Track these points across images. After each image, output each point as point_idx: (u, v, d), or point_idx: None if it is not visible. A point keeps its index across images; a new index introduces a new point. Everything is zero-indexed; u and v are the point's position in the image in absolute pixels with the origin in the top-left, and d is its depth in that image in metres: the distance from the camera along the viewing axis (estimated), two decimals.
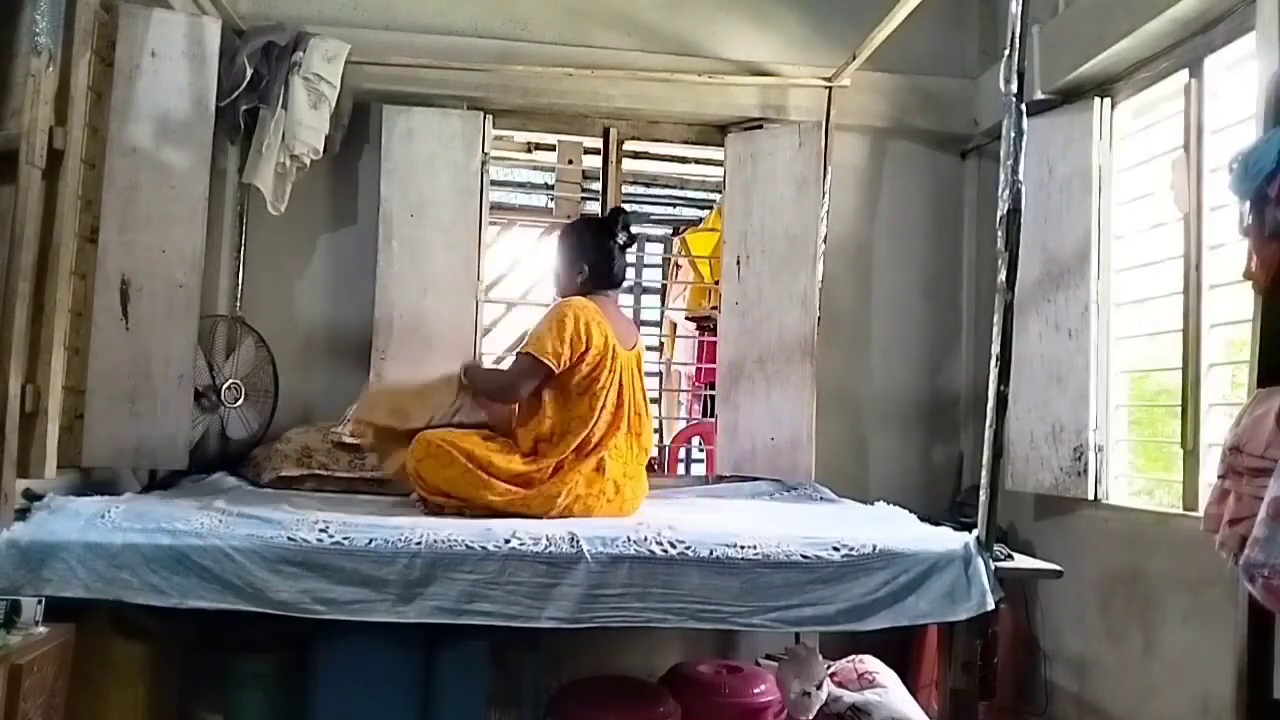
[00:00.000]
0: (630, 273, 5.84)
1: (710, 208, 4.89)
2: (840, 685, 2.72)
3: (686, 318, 4.75)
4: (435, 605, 2.04)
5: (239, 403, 3.10)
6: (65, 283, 2.26)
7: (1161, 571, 2.71)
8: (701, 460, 4.65)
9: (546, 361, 2.55)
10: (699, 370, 4.74)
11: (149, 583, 1.97)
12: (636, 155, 4.15)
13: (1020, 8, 2.11)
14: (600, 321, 2.65)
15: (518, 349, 2.74)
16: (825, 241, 3.51)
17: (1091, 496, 3.02)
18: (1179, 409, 2.74)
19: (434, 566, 2.05)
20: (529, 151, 4.24)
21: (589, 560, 2.08)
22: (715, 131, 3.69)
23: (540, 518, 2.45)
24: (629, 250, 2.92)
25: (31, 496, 2.22)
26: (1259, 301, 2.12)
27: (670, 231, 5.70)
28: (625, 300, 5.54)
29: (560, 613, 2.06)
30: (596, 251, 2.81)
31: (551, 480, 2.54)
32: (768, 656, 3.13)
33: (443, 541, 2.08)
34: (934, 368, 3.80)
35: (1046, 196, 3.19)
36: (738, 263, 3.56)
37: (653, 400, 5.67)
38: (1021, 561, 2.34)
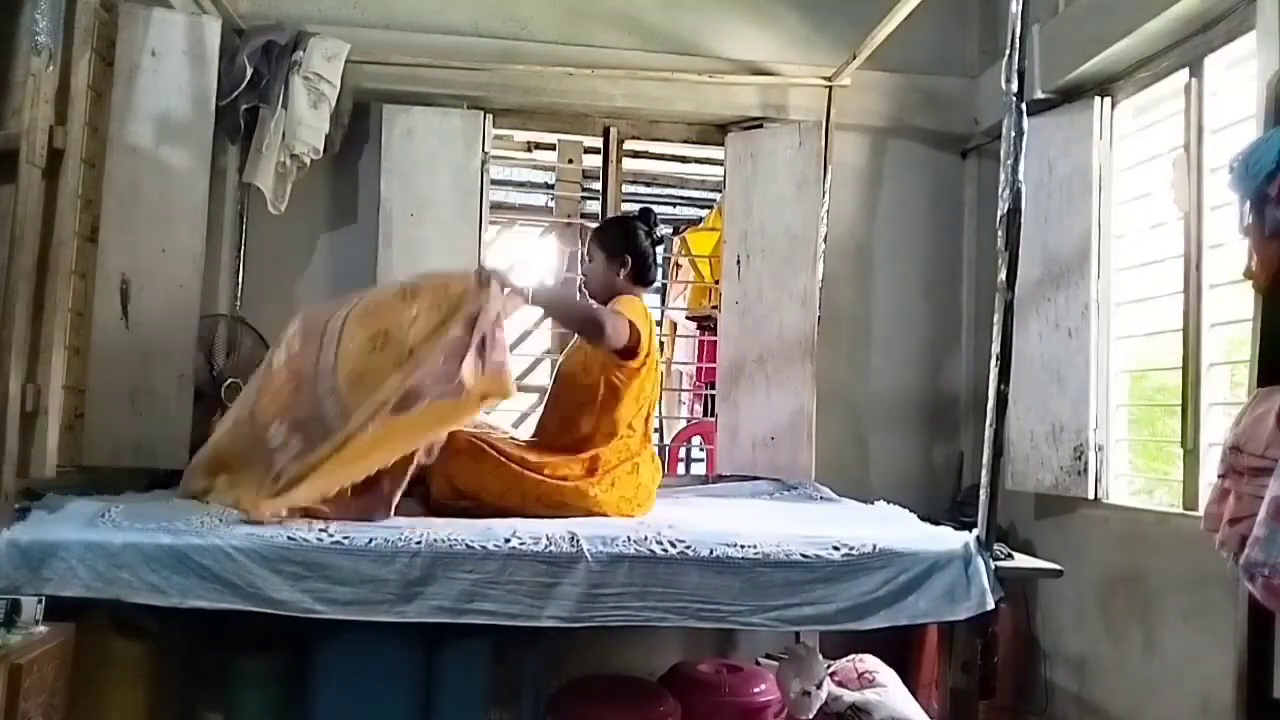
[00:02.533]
0: None
1: (710, 207, 4.90)
2: (840, 684, 2.72)
3: (687, 317, 4.76)
4: (435, 604, 2.04)
5: None
6: (65, 282, 2.26)
7: (1161, 571, 2.71)
8: (701, 460, 4.65)
9: (631, 339, 2.51)
10: (699, 369, 4.74)
11: (149, 582, 1.96)
12: (637, 155, 4.15)
13: (1020, 7, 2.11)
14: (654, 329, 2.67)
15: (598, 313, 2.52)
16: (825, 241, 3.51)
17: (1091, 496, 3.02)
18: (1179, 408, 2.74)
19: (434, 565, 2.05)
20: (529, 151, 4.24)
21: (589, 559, 2.08)
22: (715, 131, 3.70)
23: (568, 516, 2.43)
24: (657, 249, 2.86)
25: (32, 496, 2.22)
26: (1259, 301, 2.12)
27: (670, 231, 5.70)
28: None
29: (561, 612, 2.06)
30: (640, 246, 2.76)
31: (588, 480, 2.54)
32: (768, 656, 3.13)
33: (443, 541, 2.08)
34: (934, 367, 3.80)
35: (1047, 196, 3.19)
36: (738, 262, 3.56)
37: None
38: (1021, 561, 2.34)
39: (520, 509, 2.43)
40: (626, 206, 4.86)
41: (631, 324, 2.52)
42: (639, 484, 2.63)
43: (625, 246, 2.75)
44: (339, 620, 2.02)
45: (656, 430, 4.91)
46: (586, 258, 2.86)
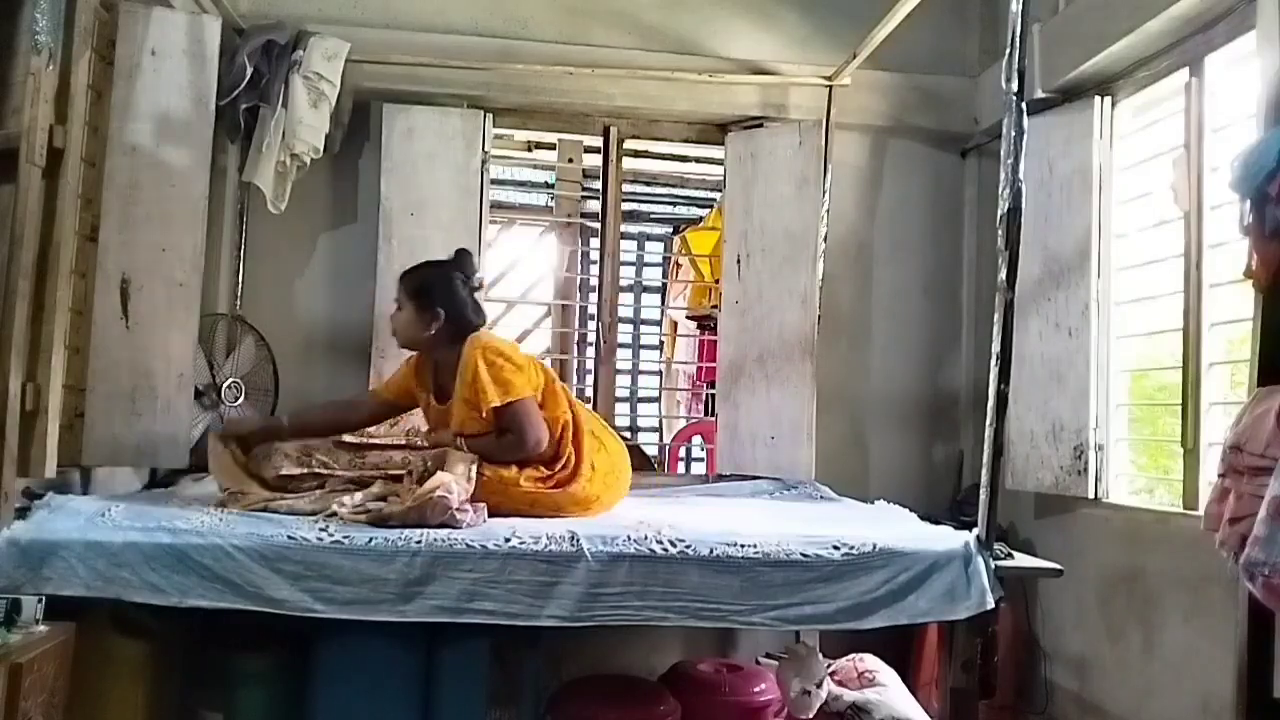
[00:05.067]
0: (630, 271, 5.85)
1: (711, 206, 4.89)
2: (840, 684, 2.72)
3: (687, 316, 4.76)
4: (435, 604, 2.04)
5: (239, 401, 3.10)
6: (65, 281, 2.26)
7: (1161, 570, 2.71)
8: (702, 459, 4.66)
9: (534, 396, 2.54)
10: (699, 369, 4.74)
11: (149, 581, 1.97)
12: (637, 154, 4.15)
13: (1021, 6, 2.11)
14: (534, 363, 2.64)
15: (496, 406, 2.47)
16: (825, 240, 3.51)
17: (1092, 495, 3.02)
18: (1179, 407, 2.74)
19: (434, 565, 2.05)
20: (529, 150, 4.24)
21: (589, 559, 2.08)
22: (715, 130, 3.69)
23: (564, 516, 2.44)
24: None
25: (32, 495, 2.22)
26: (1259, 300, 2.12)
27: (670, 230, 5.71)
28: (625, 300, 5.55)
29: (561, 611, 2.06)
30: (458, 299, 2.61)
31: (575, 479, 2.53)
32: (768, 655, 3.13)
33: (443, 540, 2.08)
34: (934, 366, 3.80)
35: (1047, 195, 3.19)
36: (738, 261, 3.56)
37: (653, 399, 5.70)
38: (1021, 560, 2.34)
39: (517, 514, 2.44)
40: (626, 206, 4.88)
41: (538, 421, 2.51)
42: (612, 464, 2.62)
43: (437, 300, 2.58)
44: (339, 619, 2.02)
45: (655, 430, 4.93)
46: (395, 304, 2.66)
